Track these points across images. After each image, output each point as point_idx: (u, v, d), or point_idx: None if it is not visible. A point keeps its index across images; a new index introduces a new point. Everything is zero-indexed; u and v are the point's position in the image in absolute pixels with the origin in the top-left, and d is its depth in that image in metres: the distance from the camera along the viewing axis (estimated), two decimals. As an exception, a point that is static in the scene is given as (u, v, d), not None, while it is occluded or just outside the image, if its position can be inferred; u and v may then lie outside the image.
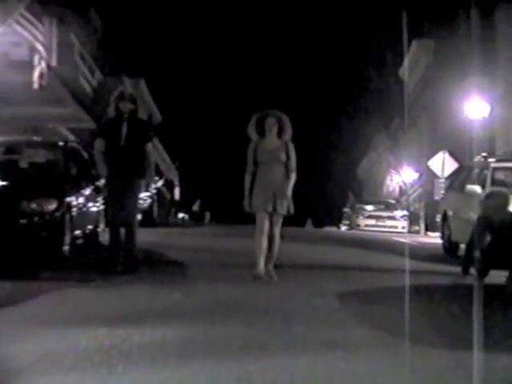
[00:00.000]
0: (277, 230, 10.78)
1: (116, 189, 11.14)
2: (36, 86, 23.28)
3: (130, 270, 10.85)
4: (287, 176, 10.86)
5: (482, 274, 10.23)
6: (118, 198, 11.08)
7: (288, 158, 10.86)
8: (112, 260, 11.06)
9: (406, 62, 54.19)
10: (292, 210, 10.82)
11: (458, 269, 10.99)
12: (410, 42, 51.05)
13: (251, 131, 10.97)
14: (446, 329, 7.55)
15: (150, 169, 11.58)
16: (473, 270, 10.39)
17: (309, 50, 73.44)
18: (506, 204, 10.39)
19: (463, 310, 8.62)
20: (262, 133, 10.91)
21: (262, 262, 10.61)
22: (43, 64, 23.20)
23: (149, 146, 11.41)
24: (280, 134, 10.90)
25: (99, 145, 11.40)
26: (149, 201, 24.33)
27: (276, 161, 10.79)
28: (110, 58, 38.13)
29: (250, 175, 10.88)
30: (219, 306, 8.49)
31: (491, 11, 35.85)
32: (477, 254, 10.32)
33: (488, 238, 10.32)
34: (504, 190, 10.92)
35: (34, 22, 22.96)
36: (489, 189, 11.09)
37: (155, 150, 11.28)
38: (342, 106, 70.41)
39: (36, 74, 23.05)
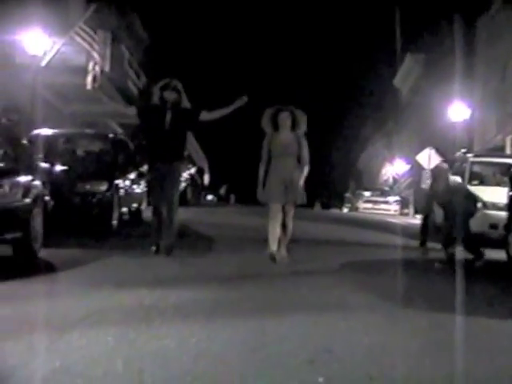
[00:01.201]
0: (289, 219, 9.77)
1: (159, 173, 9.69)
2: (89, 87, 23.32)
3: (169, 250, 9.59)
4: (300, 168, 9.75)
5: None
6: (161, 182, 9.67)
7: (301, 151, 9.77)
8: (154, 240, 9.76)
9: (400, 73, 53.97)
10: (304, 201, 9.88)
11: (439, 245, 10.93)
12: (404, 56, 50.83)
13: (265, 125, 9.90)
14: (431, 295, 7.50)
15: (199, 152, 11.06)
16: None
17: (318, 56, 72.90)
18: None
19: (447, 279, 8.58)
20: (276, 126, 9.84)
21: (275, 247, 9.66)
22: (97, 69, 23.23)
23: (190, 134, 10.56)
24: (293, 127, 9.82)
25: (131, 110, 10.46)
26: (184, 185, 24.43)
27: (289, 154, 9.70)
28: (154, 65, 38.11)
29: (264, 166, 9.77)
30: (240, 273, 8.48)
31: (473, 24, 35.57)
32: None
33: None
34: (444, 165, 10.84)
35: (91, 34, 22.96)
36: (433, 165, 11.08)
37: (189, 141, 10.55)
38: (346, 109, 70.07)
39: (90, 77, 23.09)
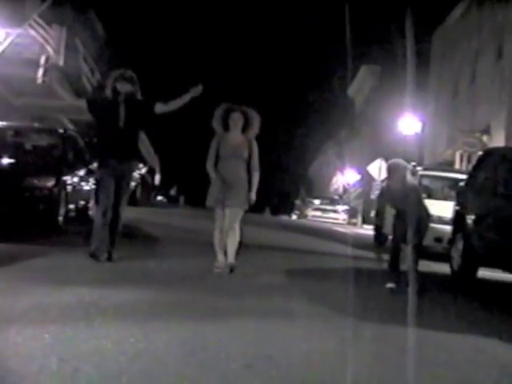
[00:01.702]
0: (231, 224, 8.98)
1: (112, 172, 8.88)
2: (40, 81, 23.06)
3: (111, 256, 8.96)
4: (247, 173, 9.07)
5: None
6: (113, 182, 8.90)
7: (250, 155, 9.09)
8: (95, 244, 8.90)
9: (354, 83, 54.40)
10: (251, 202, 9.09)
11: (386, 256, 11.02)
12: (359, 66, 51.27)
13: (216, 124, 9.13)
14: (376, 305, 7.55)
15: (151, 152, 10.56)
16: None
17: (271, 60, 72.80)
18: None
19: (389, 289, 8.65)
20: (226, 126, 9.10)
21: (222, 257, 9.02)
22: (50, 63, 22.97)
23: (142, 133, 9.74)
24: (245, 129, 9.11)
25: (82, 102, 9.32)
26: (134, 184, 24.27)
27: (237, 156, 9.01)
28: (108, 60, 37.84)
29: (212, 163, 9.07)
30: (184, 276, 8.44)
31: (427, 39, 36.04)
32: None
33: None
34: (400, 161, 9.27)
35: (45, 27, 22.71)
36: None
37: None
38: (297, 116, 70.40)
39: (41, 71, 22.83)
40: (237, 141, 9.07)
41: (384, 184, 11.67)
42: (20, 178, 12.16)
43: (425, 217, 8.94)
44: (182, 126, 63.01)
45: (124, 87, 8.88)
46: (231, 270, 8.89)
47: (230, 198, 8.93)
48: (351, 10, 50.86)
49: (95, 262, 8.61)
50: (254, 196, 9.05)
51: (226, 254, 9.07)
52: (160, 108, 9.05)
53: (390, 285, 8.71)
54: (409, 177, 9.10)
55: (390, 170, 9.02)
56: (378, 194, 10.93)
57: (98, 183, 9.46)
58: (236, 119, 9.08)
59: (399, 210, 8.98)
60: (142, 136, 9.87)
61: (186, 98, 8.99)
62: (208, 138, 9.23)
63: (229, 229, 8.96)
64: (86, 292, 6.47)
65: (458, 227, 11.54)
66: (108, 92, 8.96)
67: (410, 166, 9.81)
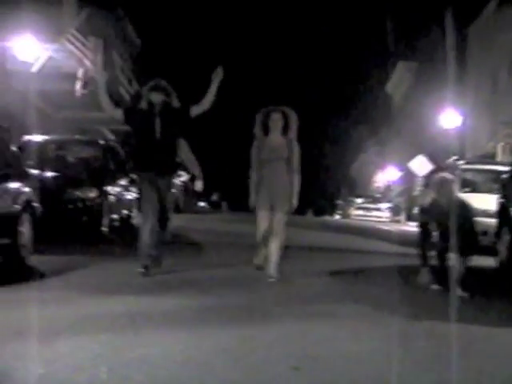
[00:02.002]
0: (278, 229, 8.69)
1: (150, 185, 8.60)
2: (78, 94, 23.32)
3: (158, 262, 8.82)
4: (290, 174, 8.74)
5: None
6: (153, 194, 8.58)
7: (291, 156, 8.73)
8: (143, 260, 8.55)
9: (392, 80, 54.10)
10: (292, 209, 8.84)
11: (431, 253, 10.90)
12: (396, 63, 50.99)
13: (257, 130, 8.91)
14: (423, 302, 7.49)
15: (191, 159, 10.12)
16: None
17: (311, 61, 72.50)
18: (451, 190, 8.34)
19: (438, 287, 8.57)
20: (266, 130, 8.83)
21: (260, 260, 8.95)
22: (87, 75, 23.21)
23: (181, 141, 9.36)
24: (285, 131, 8.80)
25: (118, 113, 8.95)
26: (176, 192, 24.41)
27: (278, 158, 8.70)
28: (146, 71, 38.16)
29: (256, 172, 8.81)
30: (228, 281, 8.46)
31: (465, 31, 35.72)
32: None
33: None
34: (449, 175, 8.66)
35: (82, 40, 22.97)
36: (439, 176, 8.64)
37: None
38: (339, 115, 70.13)
39: (79, 84, 23.08)
40: (277, 142, 8.76)
41: (425, 185, 11.27)
42: (63, 190, 12.34)
43: (472, 233, 8.24)
44: (222, 131, 63.25)
45: (158, 98, 8.67)
46: (271, 278, 8.52)
47: (276, 202, 8.66)
48: (380, 8, 50.64)
49: (145, 275, 8.29)
50: (295, 200, 8.74)
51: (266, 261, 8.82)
52: (195, 110, 8.80)
53: (434, 286, 8.26)
54: (457, 192, 8.62)
55: (438, 184, 8.41)
56: (419, 209, 9.66)
57: (139, 195, 9.14)
58: (276, 119, 8.77)
59: (444, 227, 8.20)
60: (182, 143, 9.72)
61: (213, 89, 8.76)
62: (249, 141, 9.00)
63: (275, 234, 8.66)
64: (133, 300, 6.53)
65: (503, 220, 11.41)
66: (143, 104, 8.76)
67: (456, 180, 9.28)
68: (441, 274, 8.33)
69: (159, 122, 8.62)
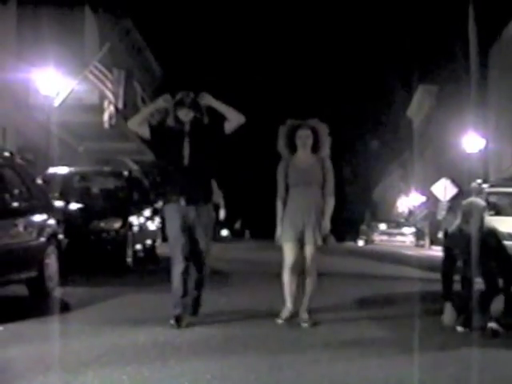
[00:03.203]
0: (312, 266, 7.48)
1: (181, 218, 7.18)
2: (106, 125, 23.51)
3: (196, 308, 7.50)
4: (324, 200, 7.48)
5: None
6: (185, 229, 7.18)
7: (325, 178, 7.48)
8: (176, 308, 7.11)
9: (413, 104, 54.11)
10: (331, 242, 7.70)
11: (456, 277, 10.82)
12: (416, 87, 51.00)
13: (281, 146, 7.59)
14: (449, 330, 7.44)
15: (214, 187, 8.53)
16: None
17: (332, 85, 72.65)
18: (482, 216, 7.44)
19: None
20: (293, 148, 7.52)
21: (290, 304, 7.51)
22: (112, 107, 23.41)
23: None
24: (315, 148, 7.50)
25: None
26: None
27: (310, 182, 7.41)
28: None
29: (283, 199, 7.50)
30: (255, 309, 8.44)
31: (485, 57, 35.68)
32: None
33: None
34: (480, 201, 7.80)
35: (105, 72, 23.18)
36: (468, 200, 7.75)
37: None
38: (361, 139, 70.21)
39: (106, 115, 23.28)
40: (308, 163, 7.47)
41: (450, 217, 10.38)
42: (87, 221, 12.42)
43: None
44: (244, 157, 63.13)
45: (187, 115, 7.27)
46: (304, 323, 7.32)
47: (306, 234, 7.38)
48: (403, 30, 50.74)
49: (176, 328, 6.84)
50: (328, 224, 7.46)
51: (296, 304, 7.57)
52: (228, 126, 7.35)
53: (459, 328, 7.17)
54: (487, 219, 7.60)
55: (466, 211, 7.44)
56: (444, 234, 8.66)
57: (163, 226, 8.03)
58: (304, 137, 7.46)
59: (471, 257, 7.34)
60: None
61: (222, 108, 7.37)
62: (273, 165, 7.73)
63: (308, 273, 7.50)
64: (160, 331, 6.54)
65: (530, 243, 11.32)
66: (170, 121, 7.39)
67: (486, 206, 8.07)
68: (466, 306, 7.30)
69: (188, 143, 7.22)
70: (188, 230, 7.20)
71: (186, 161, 7.23)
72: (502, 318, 6.93)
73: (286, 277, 7.51)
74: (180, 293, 7.12)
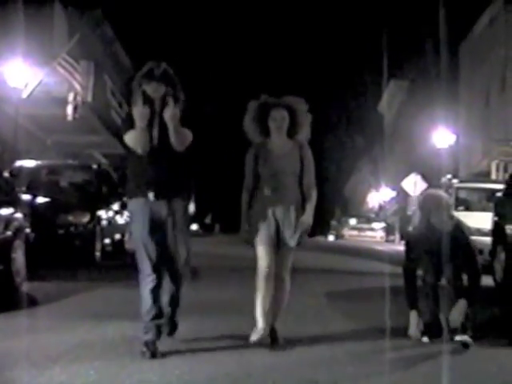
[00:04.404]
0: (286, 273, 6.32)
1: (149, 215, 5.75)
2: (70, 118, 23.33)
3: (173, 329, 6.09)
4: (302, 194, 6.22)
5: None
6: (154, 229, 5.73)
7: (303, 167, 6.21)
8: (149, 335, 5.60)
9: (383, 99, 54.37)
10: (303, 241, 6.26)
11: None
12: (387, 82, 51.24)
13: (250, 128, 6.28)
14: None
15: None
16: None
17: (301, 79, 72.87)
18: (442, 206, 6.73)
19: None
20: (265, 131, 6.24)
21: (264, 324, 6.04)
22: (78, 100, 23.23)
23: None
24: (293, 132, 6.23)
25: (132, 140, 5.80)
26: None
27: (286, 172, 6.14)
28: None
29: (249, 193, 6.27)
30: (224, 305, 8.45)
31: (455, 52, 35.99)
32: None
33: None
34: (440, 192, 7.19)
35: (73, 64, 23.03)
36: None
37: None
38: (330, 134, 70.41)
39: (70, 108, 23.11)
40: (283, 150, 6.22)
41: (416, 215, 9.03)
42: (55, 215, 12.34)
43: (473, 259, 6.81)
44: (214, 145, 62.82)
45: (157, 90, 5.82)
46: (274, 341, 6.12)
47: (287, 232, 6.15)
48: (374, 26, 50.93)
49: (151, 356, 5.43)
50: (310, 221, 6.22)
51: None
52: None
53: (424, 339, 6.49)
54: (453, 213, 7.00)
55: (429, 203, 6.77)
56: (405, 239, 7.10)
57: (132, 229, 6.07)
58: (279, 119, 6.18)
59: (436, 255, 6.66)
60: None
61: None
62: (243, 153, 6.44)
63: (285, 276, 6.34)
64: (128, 326, 6.51)
65: (499, 238, 11.46)
66: (137, 100, 5.84)
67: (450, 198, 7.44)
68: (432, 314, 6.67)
69: (160, 123, 5.78)
70: (159, 233, 5.76)
71: (156, 145, 5.77)
72: (469, 327, 6.37)
73: (262, 287, 6.09)
74: (151, 315, 5.67)
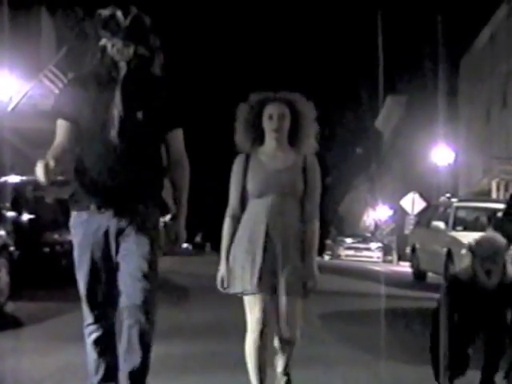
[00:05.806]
0: (292, 329, 4.80)
1: (96, 234, 4.27)
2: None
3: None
4: (303, 221, 4.68)
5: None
6: (102, 266, 4.25)
7: (306, 189, 4.67)
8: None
9: (381, 115, 54.54)
10: (314, 287, 4.78)
11: (425, 294, 10.95)
12: (385, 98, 51.45)
13: (240, 136, 4.70)
14: (416, 347, 7.50)
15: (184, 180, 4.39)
16: None
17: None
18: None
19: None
20: (258, 136, 4.65)
21: None
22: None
23: (177, 134, 4.29)
24: (295, 137, 4.67)
25: (63, 135, 4.60)
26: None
27: (283, 191, 4.58)
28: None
29: (233, 217, 4.71)
30: (215, 326, 8.44)
31: (456, 67, 36.17)
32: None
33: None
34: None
35: (60, 76, 23.06)
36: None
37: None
38: (327, 150, 70.60)
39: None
40: (282, 161, 4.67)
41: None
42: (40, 233, 12.31)
43: None
44: (205, 159, 62.69)
45: (123, 52, 4.22)
46: None
47: (287, 274, 4.57)
48: (373, 42, 51.27)
49: None
50: (314, 266, 4.77)
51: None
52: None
53: None
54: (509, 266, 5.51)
55: (486, 255, 5.39)
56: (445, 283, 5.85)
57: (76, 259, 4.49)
58: (277, 117, 4.60)
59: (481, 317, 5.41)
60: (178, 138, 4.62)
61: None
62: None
63: (289, 336, 4.85)
64: (115, 348, 6.50)
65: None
66: (96, 60, 4.39)
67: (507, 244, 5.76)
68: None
69: (123, 96, 4.19)
70: (111, 264, 4.21)
71: (113, 129, 4.16)
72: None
73: (252, 348, 4.67)
74: (99, 377, 4.32)
